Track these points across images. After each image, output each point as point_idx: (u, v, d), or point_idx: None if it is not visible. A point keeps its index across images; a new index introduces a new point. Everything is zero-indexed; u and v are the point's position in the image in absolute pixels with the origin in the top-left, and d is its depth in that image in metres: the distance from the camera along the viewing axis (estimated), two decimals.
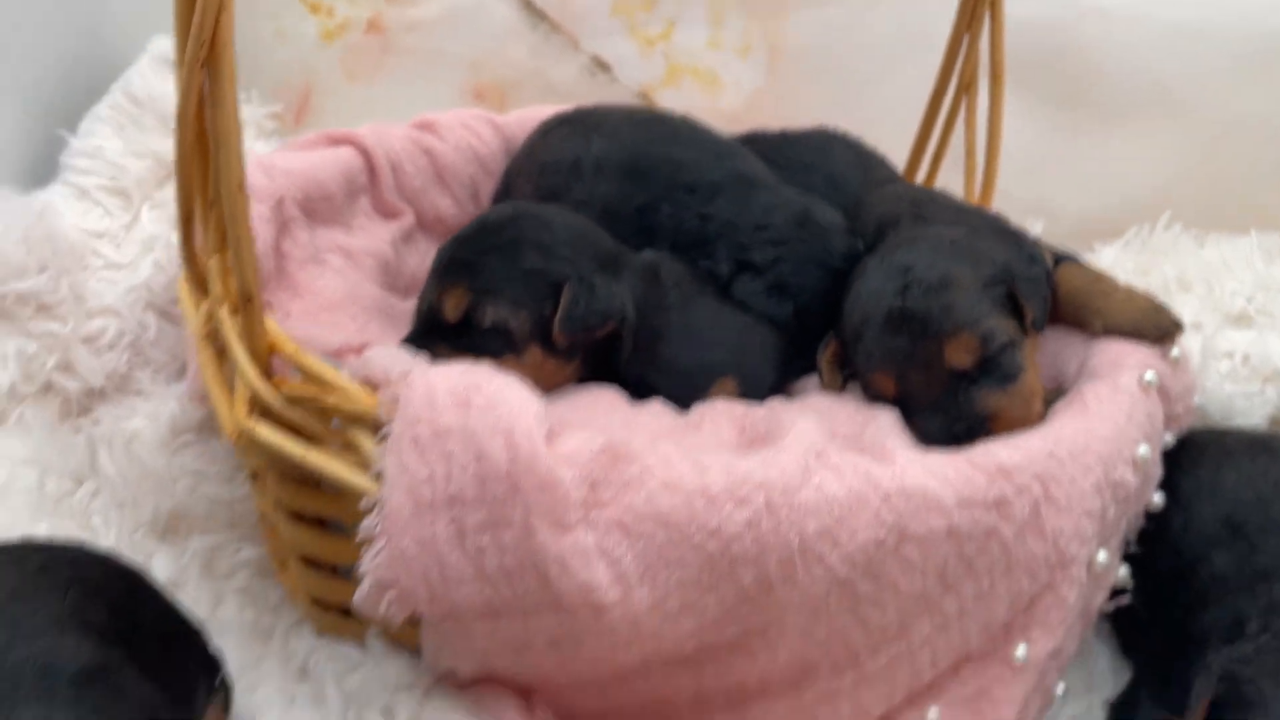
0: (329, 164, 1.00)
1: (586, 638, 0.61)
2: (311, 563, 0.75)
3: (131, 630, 0.59)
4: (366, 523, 0.61)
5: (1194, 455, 0.83)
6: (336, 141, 1.03)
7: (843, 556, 0.61)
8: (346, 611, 0.76)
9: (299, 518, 0.73)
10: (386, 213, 1.05)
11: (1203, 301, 1.07)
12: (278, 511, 0.74)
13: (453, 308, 0.75)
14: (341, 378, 0.67)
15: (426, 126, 1.10)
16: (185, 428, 0.93)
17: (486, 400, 0.61)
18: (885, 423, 0.71)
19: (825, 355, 0.80)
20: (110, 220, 1.13)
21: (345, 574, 0.74)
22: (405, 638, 0.72)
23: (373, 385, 0.66)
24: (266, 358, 0.68)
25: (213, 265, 0.69)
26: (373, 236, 1.01)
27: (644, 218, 0.89)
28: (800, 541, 0.60)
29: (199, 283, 0.73)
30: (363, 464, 0.64)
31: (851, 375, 0.80)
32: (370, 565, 0.60)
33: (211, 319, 0.75)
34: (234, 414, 0.68)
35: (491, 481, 0.58)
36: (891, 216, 0.85)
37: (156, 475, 0.88)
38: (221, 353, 0.74)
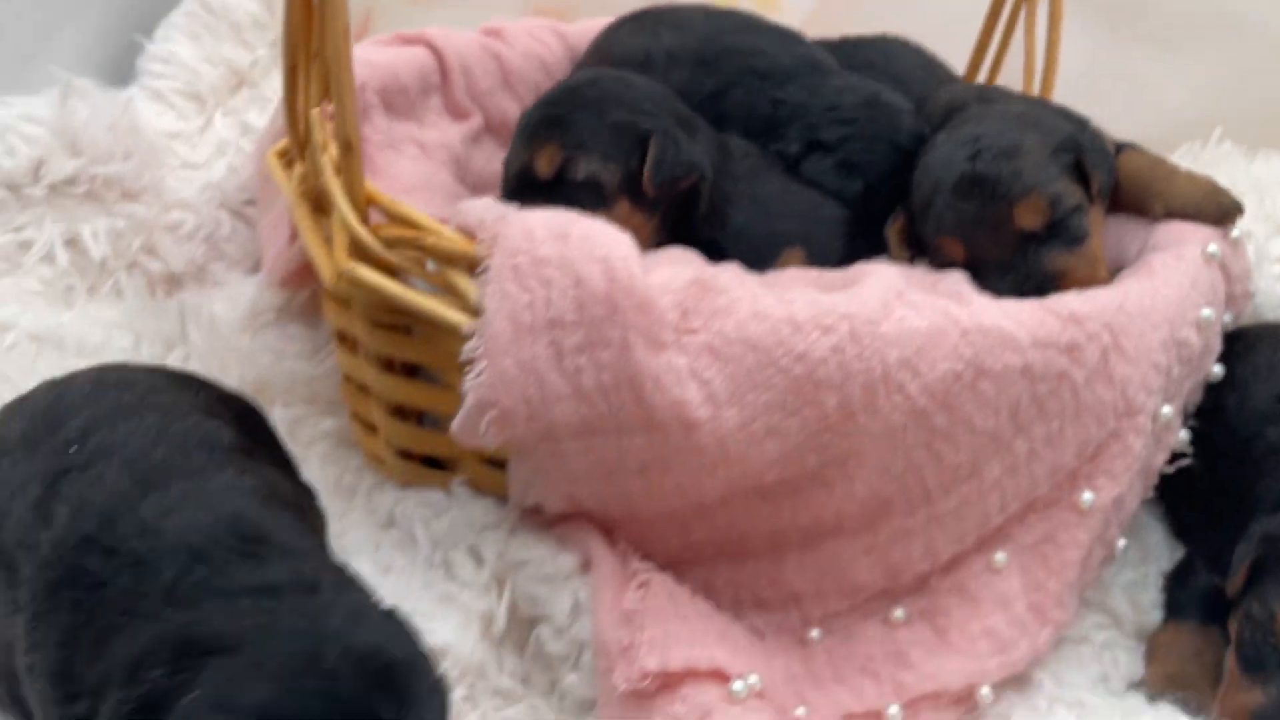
0: (404, 60, 1.02)
1: (675, 460, 0.64)
2: (399, 413, 0.78)
3: (253, 432, 0.63)
4: (468, 347, 0.64)
5: (1249, 342, 0.85)
6: (409, 41, 1.06)
7: (922, 387, 0.64)
8: (432, 462, 0.80)
9: (389, 366, 0.76)
10: (456, 113, 1.07)
11: (1254, 212, 1.08)
12: (367, 365, 0.77)
13: (545, 164, 0.78)
14: (437, 223, 0.70)
15: (494, 33, 1.12)
16: (264, 310, 0.96)
17: (583, 233, 0.64)
18: (957, 277, 0.73)
19: (893, 228, 0.82)
20: (184, 123, 1.17)
21: (432, 423, 0.78)
22: (489, 484, 0.76)
23: (468, 232, 0.69)
24: (365, 206, 0.71)
25: (314, 115, 0.72)
26: (444, 133, 1.04)
27: (715, 105, 0.91)
28: (882, 369, 0.63)
29: (299, 140, 0.76)
30: (459, 302, 0.67)
31: (919, 251, 0.82)
32: (472, 385, 0.63)
33: (307, 180, 0.78)
34: (334, 260, 0.71)
35: (590, 304, 0.61)
36: (958, 102, 0.88)
37: (240, 349, 0.92)
38: (317, 210, 0.77)
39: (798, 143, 0.88)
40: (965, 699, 0.67)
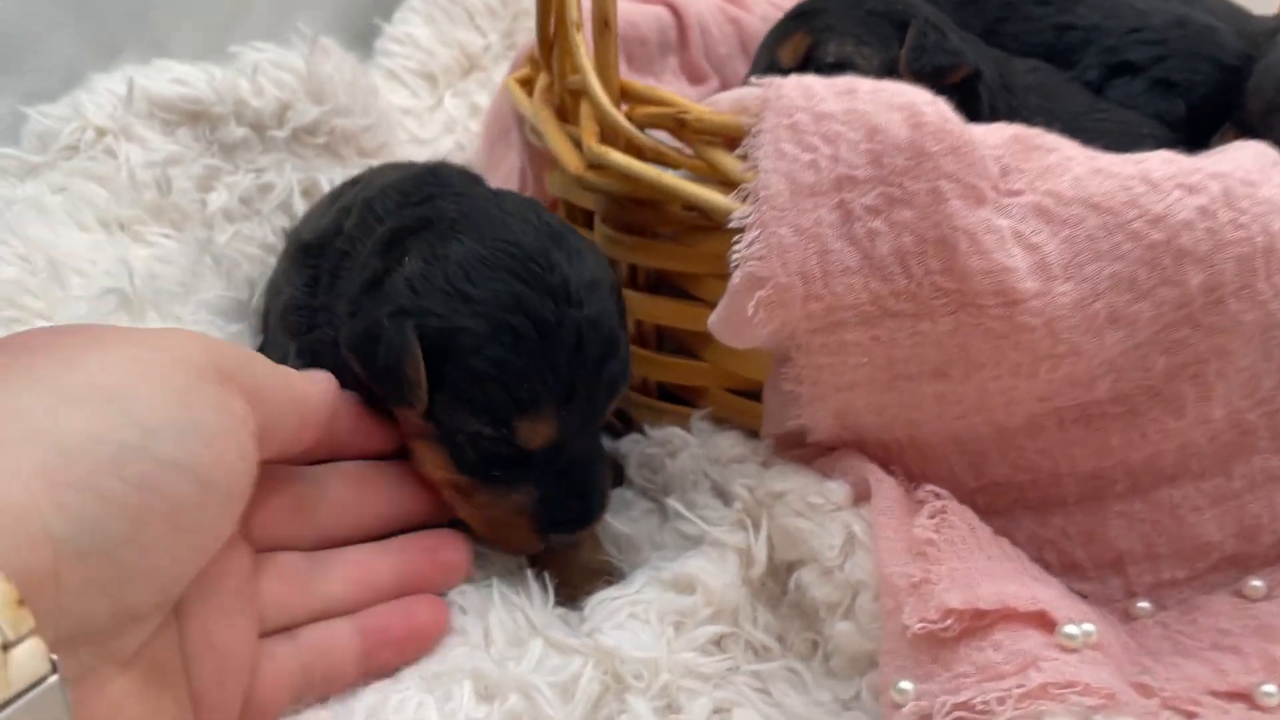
0: (645, 15, 0.98)
1: (985, 355, 0.52)
2: (638, 339, 0.70)
3: None
4: (738, 214, 0.55)
5: None
6: (649, 0, 1.02)
7: None
8: (668, 397, 0.71)
9: (632, 281, 0.68)
10: (693, 76, 1.02)
11: None
12: None
13: (790, 54, 0.70)
14: (695, 104, 0.62)
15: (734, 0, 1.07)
16: None
17: (873, 88, 0.55)
18: None
19: (1223, 140, 0.69)
20: (416, 101, 1.16)
21: (670, 350, 0.69)
22: (737, 415, 0.66)
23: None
24: (618, 91, 0.65)
25: None
26: (681, 92, 0.98)
27: (988, 43, 0.81)
28: (1265, 240, 0.50)
29: (547, 38, 0.71)
30: (720, 186, 0.59)
31: None
32: (741, 259, 0.54)
33: (551, 89, 0.73)
34: (585, 147, 0.64)
35: (890, 155, 0.52)
36: None
37: None
38: (560, 114, 0.72)
39: (1097, 68, 0.77)
40: None
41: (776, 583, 0.60)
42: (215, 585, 0.45)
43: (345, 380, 0.54)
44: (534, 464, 0.53)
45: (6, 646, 0.31)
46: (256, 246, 0.85)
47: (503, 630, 0.54)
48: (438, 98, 1.17)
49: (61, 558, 0.34)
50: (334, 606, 0.51)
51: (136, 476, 0.36)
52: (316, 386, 0.51)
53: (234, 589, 0.46)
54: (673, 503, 0.63)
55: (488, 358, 0.50)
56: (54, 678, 0.32)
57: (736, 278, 0.54)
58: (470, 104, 1.18)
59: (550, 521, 0.54)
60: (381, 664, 0.51)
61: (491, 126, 1.03)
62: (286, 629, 0.49)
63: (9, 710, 0.31)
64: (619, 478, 0.67)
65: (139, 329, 0.42)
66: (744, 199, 0.55)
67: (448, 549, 0.55)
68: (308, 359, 0.58)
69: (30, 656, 0.32)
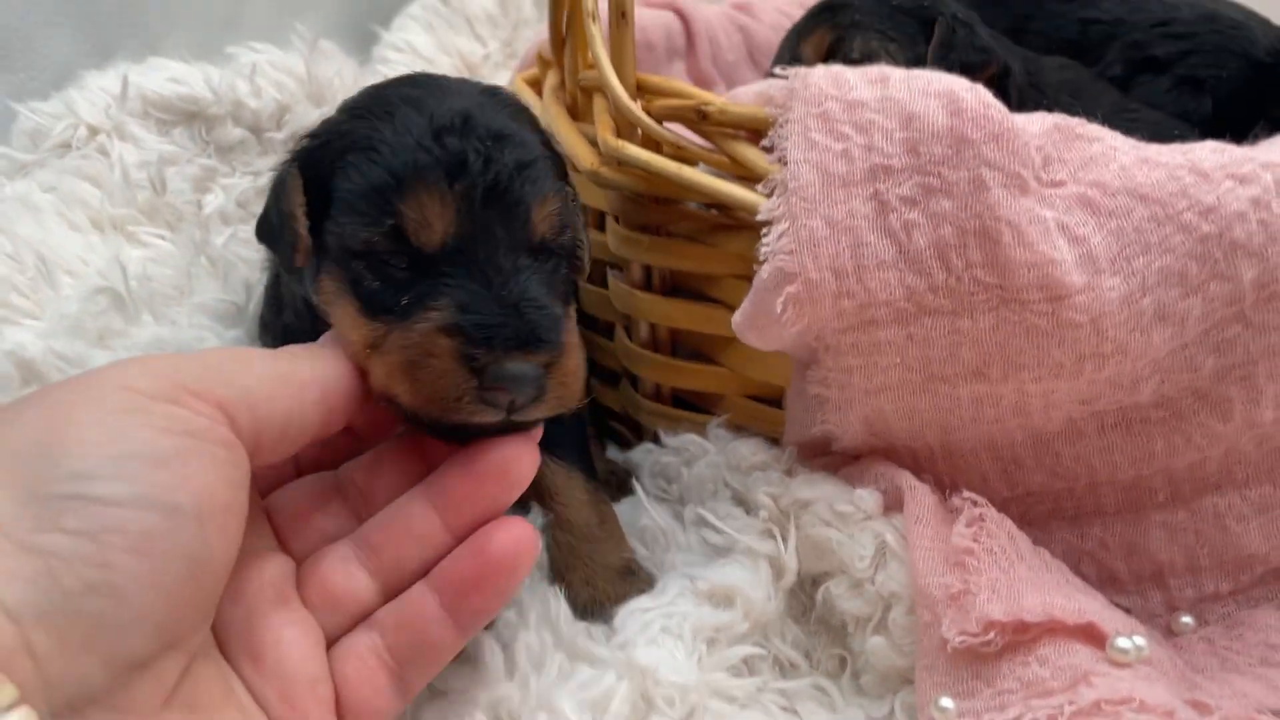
0: (652, 20, 0.96)
1: (1026, 354, 0.50)
2: (653, 343, 0.67)
3: None
4: (766, 206, 0.52)
5: None
6: (655, 5, 1.00)
7: None
8: (682, 404, 0.68)
9: (647, 283, 0.66)
10: (700, 83, 1.00)
11: None
12: (620, 288, 0.67)
13: (813, 50, 0.68)
14: (717, 97, 0.60)
15: (742, 7, 1.06)
16: None
17: (906, 75, 0.52)
18: None
19: None
20: None
21: (691, 355, 0.67)
22: (757, 422, 0.64)
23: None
24: (634, 85, 0.62)
25: None
26: None
27: (1013, 41, 0.79)
28: None
29: (559, 33, 0.69)
30: (744, 181, 0.57)
31: None
32: (771, 250, 0.51)
33: (564, 85, 0.71)
34: (600, 141, 0.62)
35: (928, 143, 0.49)
36: None
37: None
38: (571, 112, 0.69)
39: (1121, 64, 0.75)
40: None
41: (804, 596, 0.57)
42: (251, 607, 0.42)
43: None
44: (444, 273, 0.45)
45: None
46: (254, 250, 0.82)
47: (526, 650, 0.50)
48: None
49: (24, 626, 0.32)
50: (408, 571, 0.45)
51: (79, 523, 0.34)
52: (322, 362, 0.45)
53: (272, 602, 0.43)
54: (697, 509, 0.60)
55: (358, 146, 0.46)
56: None
57: (764, 273, 0.52)
58: None
59: (475, 332, 0.43)
60: (472, 613, 0.44)
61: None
62: (366, 617, 0.45)
63: None
64: (624, 487, 0.64)
65: (88, 372, 0.39)
66: (771, 191, 0.52)
67: (491, 454, 0.46)
68: (281, 343, 0.53)
69: None
